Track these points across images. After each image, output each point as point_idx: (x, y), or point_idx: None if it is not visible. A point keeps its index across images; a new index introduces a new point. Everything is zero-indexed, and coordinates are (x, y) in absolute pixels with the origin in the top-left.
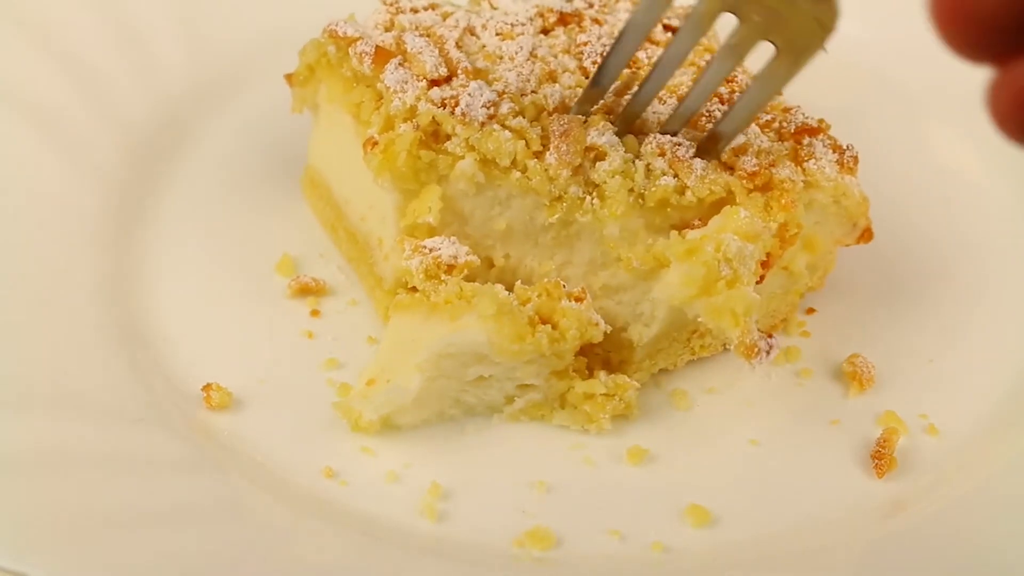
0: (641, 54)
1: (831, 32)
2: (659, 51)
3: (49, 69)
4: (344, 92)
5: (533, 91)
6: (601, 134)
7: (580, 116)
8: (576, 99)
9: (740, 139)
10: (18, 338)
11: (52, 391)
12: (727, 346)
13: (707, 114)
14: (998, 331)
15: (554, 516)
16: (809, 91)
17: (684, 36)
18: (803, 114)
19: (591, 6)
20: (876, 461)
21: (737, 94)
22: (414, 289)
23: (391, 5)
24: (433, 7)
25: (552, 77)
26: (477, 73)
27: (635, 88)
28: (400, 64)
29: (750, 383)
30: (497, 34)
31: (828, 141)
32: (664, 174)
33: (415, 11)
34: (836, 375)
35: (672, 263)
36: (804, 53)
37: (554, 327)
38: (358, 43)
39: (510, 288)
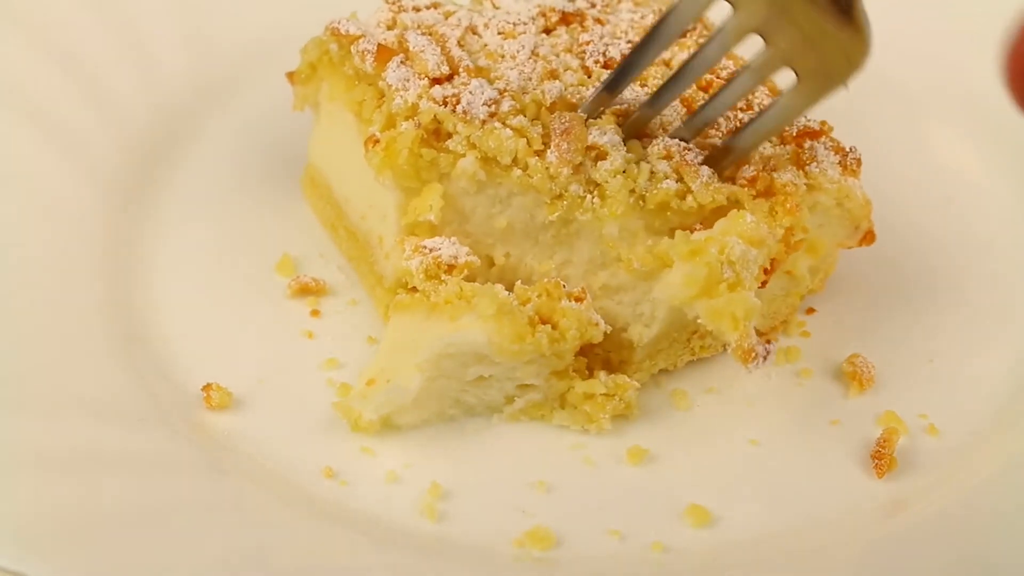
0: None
1: (857, 69)
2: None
3: (49, 69)
4: (346, 90)
5: (534, 90)
6: (603, 133)
7: (581, 115)
8: (577, 96)
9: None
10: (18, 338)
11: (52, 391)
12: (726, 347)
13: (716, 128)
14: (998, 331)
15: (554, 516)
16: None
17: (709, 51)
18: (805, 116)
19: (593, 6)
20: (876, 461)
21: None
22: (414, 289)
23: (393, 4)
24: (435, 6)
25: (554, 76)
26: (479, 72)
27: (645, 94)
28: (402, 62)
29: (750, 383)
30: (499, 33)
31: (830, 143)
32: (667, 177)
33: (417, 10)
34: (836, 375)
35: (675, 263)
36: (826, 85)
37: (554, 327)
38: (360, 41)
39: (510, 288)
